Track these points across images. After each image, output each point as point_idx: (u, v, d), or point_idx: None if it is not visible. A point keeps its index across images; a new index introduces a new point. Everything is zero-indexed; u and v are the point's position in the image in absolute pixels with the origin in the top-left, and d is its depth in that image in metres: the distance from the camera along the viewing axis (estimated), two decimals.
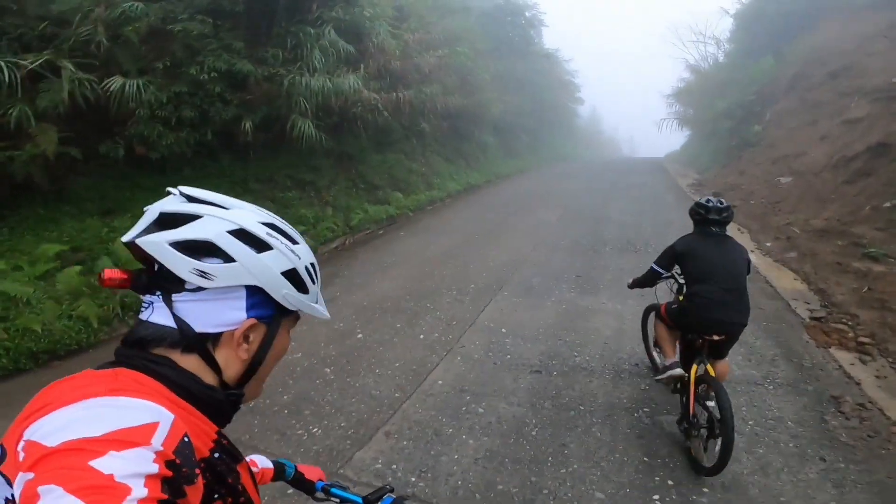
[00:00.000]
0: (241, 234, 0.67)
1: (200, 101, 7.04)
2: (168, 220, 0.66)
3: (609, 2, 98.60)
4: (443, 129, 15.54)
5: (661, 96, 25.21)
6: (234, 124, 7.38)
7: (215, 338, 0.67)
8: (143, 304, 0.68)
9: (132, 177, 7.19)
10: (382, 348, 4.37)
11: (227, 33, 7.44)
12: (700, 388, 2.86)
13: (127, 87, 6.02)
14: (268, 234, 0.69)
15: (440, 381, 3.80)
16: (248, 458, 1.00)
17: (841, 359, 4.21)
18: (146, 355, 0.64)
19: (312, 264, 0.75)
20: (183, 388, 0.63)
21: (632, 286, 3.49)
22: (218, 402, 0.67)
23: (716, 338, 2.87)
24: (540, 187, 15.14)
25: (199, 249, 0.64)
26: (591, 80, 40.38)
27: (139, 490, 0.45)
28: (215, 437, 0.65)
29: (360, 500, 1.09)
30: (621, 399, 3.52)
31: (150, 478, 0.47)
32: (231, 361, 0.69)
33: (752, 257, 7.06)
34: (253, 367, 0.71)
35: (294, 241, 0.73)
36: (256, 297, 0.68)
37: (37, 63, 5.28)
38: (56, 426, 0.49)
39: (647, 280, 3.34)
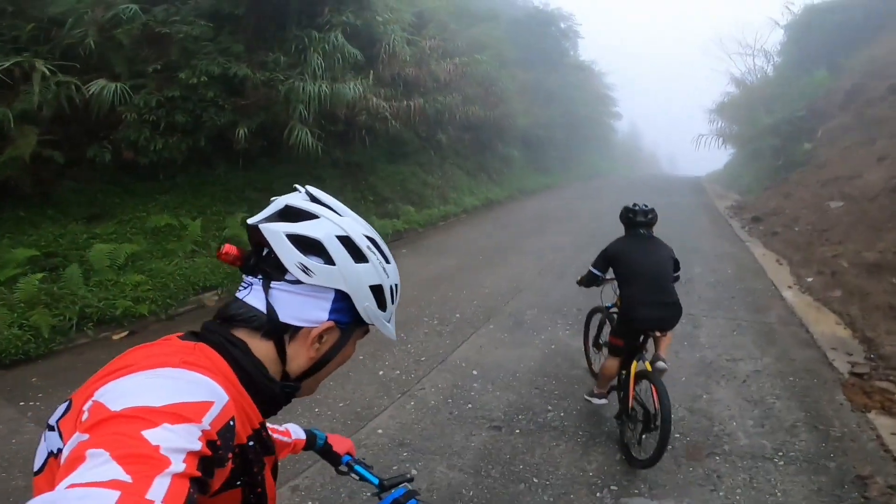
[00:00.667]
0: (346, 242, 0.72)
1: (194, 106, 6.85)
2: (290, 214, 0.72)
3: (649, 15, 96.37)
4: (464, 141, 15.12)
5: (702, 111, 23.85)
6: (230, 130, 7.16)
7: (294, 330, 0.71)
8: (243, 284, 0.73)
9: (124, 182, 7.07)
10: (333, 383, 3.86)
11: (228, 37, 7.28)
12: (639, 384, 2.98)
13: (106, 90, 5.83)
14: (368, 247, 0.74)
15: (380, 430, 3.25)
16: (282, 427, 1.13)
17: (881, 426, 3.38)
18: (226, 334, 0.68)
19: (397, 285, 0.79)
20: (247, 373, 0.66)
21: (578, 283, 3.50)
22: (272, 395, 0.70)
23: (657, 333, 3.01)
24: (563, 206, 14.39)
25: (309, 246, 0.69)
26: (630, 94, 39.19)
27: (178, 465, 0.46)
28: (257, 425, 0.67)
29: (377, 481, 1.12)
30: (587, 471, 2.86)
31: (190, 454, 0.48)
32: (299, 356, 0.72)
33: (789, 294, 6.23)
34: (318, 367, 0.75)
35: (387, 260, 0.78)
36: (342, 302, 0.72)
37: (6, 66, 5.16)
38: (124, 391, 0.52)
39: (588, 281, 3.40)
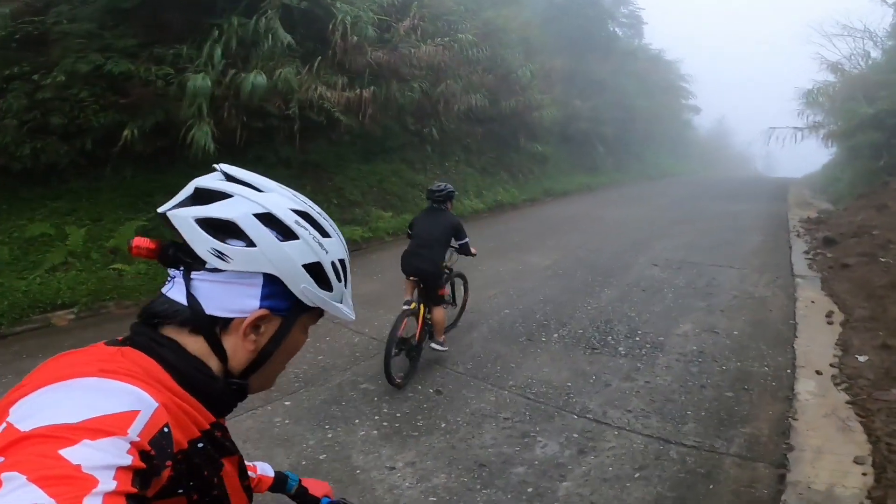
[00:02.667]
0: (268, 219, 0.64)
1: (71, 108, 5.97)
2: (202, 196, 0.65)
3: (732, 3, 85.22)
4: (475, 135, 13.37)
5: (796, 102, 19.70)
6: (119, 131, 6.20)
7: (224, 323, 0.64)
8: (168, 280, 0.66)
9: (12, 187, 6.40)
10: None
11: (123, 31, 6.32)
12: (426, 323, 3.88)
13: None
14: (296, 222, 0.66)
15: None
16: (250, 463, 0.97)
17: None
18: (153, 335, 0.62)
19: (342, 261, 0.71)
20: (183, 374, 0.60)
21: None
22: (217, 393, 0.64)
23: (412, 278, 3.90)
24: (584, 213, 12.15)
25: (224, 229, 0.62)
26: (718, 86, 34.48)
27: (107, 483, 0.43)
28: (207, 427, 0.62)
29: None
30: None
31: (120, 470, 0.45)
32: (238, 350, 0.65)
33: (810, 387, 3.65)
34: (260, 360, 0.68)
35: (325, 234, 0.69)
36: (273, 286, 0.64)
37: None
38: (35, 408, 0.48)
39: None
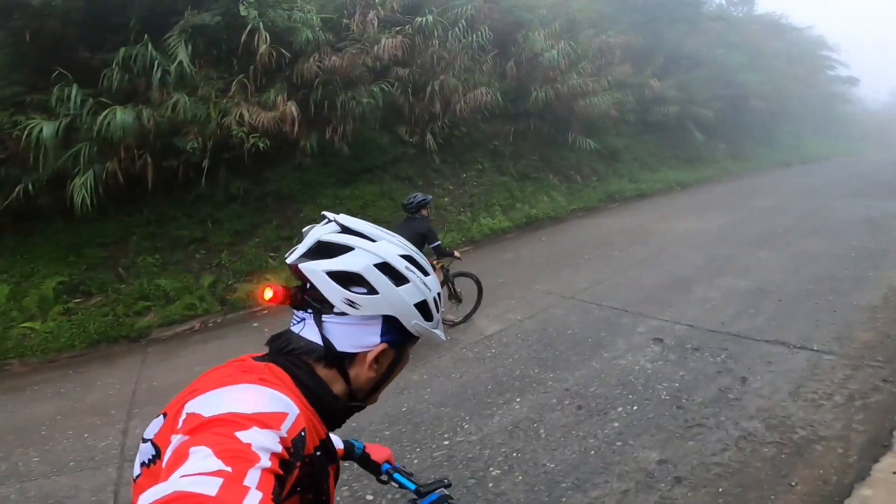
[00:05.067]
0: (385, 268, 0.75)
1: None
2: (324, 249, 0.76)
3: None
4: (504, 135, 11.19)
5: None
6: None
7: (351, 356, 0.76)
8: (295, 318, 0.79)
9: None
10: None
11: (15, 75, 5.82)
12: None
13: None
14: (406, 267, 0.77)
15: None
16: None
17: None
18: (292, 359, 0.75)
19: (439, 294, 0.83)
20: (312, 391, 0.73)
21: None
22: (337, 410, 0.78)
23: None
24: (641, 225, 9.28)
25: (349, 280, 0.73)
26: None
27: (266, 461, 0.54)
28: (324, 436, 0.74)
29: (414, 487, 1.12)
30: None
31: (274, 455, 0.56)
32: (360, 376, 0.78)
33: None
34: (379, 384, 0.82)
35: (426, 273, 0.80)
36: (391, 324, 0.76)
37: None
38: (214, 402, 0.61)
39: None
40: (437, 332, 0.81)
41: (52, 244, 6.61)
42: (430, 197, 5.01)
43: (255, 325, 5.96)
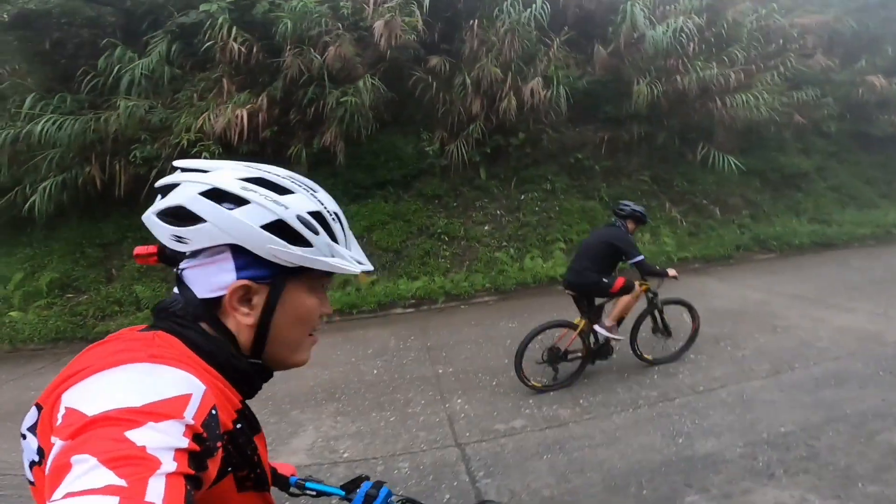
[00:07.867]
0: (214, 194, 0.64)
1: None
2: (161, 193, 0.67)
3: None
4: (593, 143, 8.40)
5: None
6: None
7: (217, 303, 0.65)
8: None
9: None
10: None
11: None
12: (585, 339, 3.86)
13: None
14: (243, 188, 0.64)
15: None
16: None
17: None
18: (176, 319, 0.64)
19: (313, 213, 0.68)
20: (211, 354, 0.62)
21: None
22: (243, 371, 0.65)
23: (568, 292, 3.87)
24: (789, 311, 5.64)
25: (179, 215, 0.63)
26: None
27: (169, 464, 0.45)
28: (239, 406, 0.64)
29: (339, 490, 1.06)
30: None
31: (179, 452, 0.46)
32: (240, 328, 0.66)
33: None
34: (262, 332, 0.67)
35: (284, 191, 0.67)
36: (244, 256, 0.64)
37: None
38: (96, 392, 0.49)
39: None
40: (328, 259, 0.66)
41: (64, 240, 7.13)
42: (648, 216, 4.15)
43: None
